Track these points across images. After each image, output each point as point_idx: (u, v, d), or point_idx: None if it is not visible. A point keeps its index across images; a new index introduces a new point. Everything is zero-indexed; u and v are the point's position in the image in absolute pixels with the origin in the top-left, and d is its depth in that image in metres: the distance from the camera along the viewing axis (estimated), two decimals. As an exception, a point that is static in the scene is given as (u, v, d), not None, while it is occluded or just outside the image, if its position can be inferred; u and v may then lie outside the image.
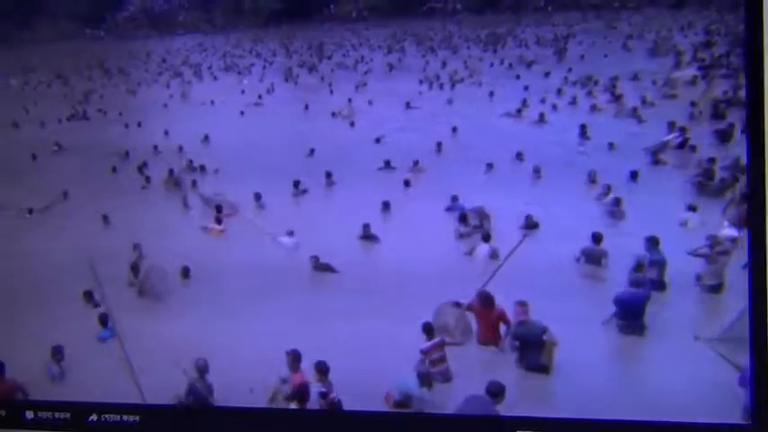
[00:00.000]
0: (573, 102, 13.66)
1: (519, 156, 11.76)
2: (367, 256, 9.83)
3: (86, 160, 13.53)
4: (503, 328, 7.30)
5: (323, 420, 6.20)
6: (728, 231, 8.27)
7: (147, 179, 12.68)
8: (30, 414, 6.32)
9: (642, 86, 13.43)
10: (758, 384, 5.03)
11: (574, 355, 6.76)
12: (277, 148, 13.06)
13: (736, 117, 10.95)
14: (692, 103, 12.01)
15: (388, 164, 12.22)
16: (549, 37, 16.58)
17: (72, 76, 18.17)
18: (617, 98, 13.35)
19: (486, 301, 7.32)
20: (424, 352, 6.90)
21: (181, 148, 13.54)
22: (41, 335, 7.93)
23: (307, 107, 15.29)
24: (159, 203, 12.07)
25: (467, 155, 12.16)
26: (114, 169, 13.06)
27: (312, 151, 12.93)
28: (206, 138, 13.96)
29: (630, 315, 7.29)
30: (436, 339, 7.00)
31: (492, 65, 16.33)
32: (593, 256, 8.70)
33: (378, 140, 13.32)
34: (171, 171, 12.63)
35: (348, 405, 6.33)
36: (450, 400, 6.29)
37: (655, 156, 11.01)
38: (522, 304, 7.00)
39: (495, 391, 5.94)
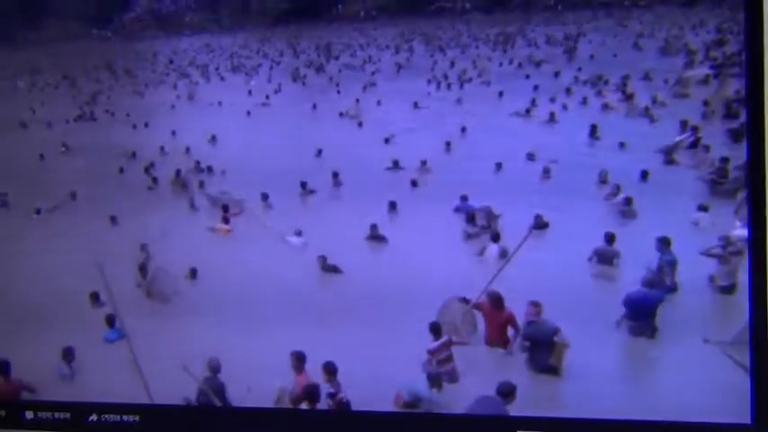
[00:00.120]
0: (583, 102, 13.64)
1: (530, 156, 11.76)
2: (374, 256, 9.85)
3: (94, 161, 13.64)
4: (511, 331, 7.29)
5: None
6: (741, 231, 8.23)
7: (155, 180, 12.76)
8: (30, 414, 6.36)
9: (653, 86, 13.39)
10: (759, 384, 5.03)
11: (582, 356, 6.75)
12: (284, 149, 13.12)
13: (749, 116, 10.88)
14: (705, 103, 11.97)
15: (396, 164, 12.26)
16: (559, 36, 16.56)
17: (79, 77, 18.29)
18: (628, 97, 13.32)
19: (496, 301, 7.31)
20: (432, 352, 6.91)
21: (188, 149, 13.64)
22: (49, 335, 8.00)
23: (314, 107, 15.33)
24: (166, 204, 12.13)
25: (475, 155, 12.18)
26: (121, 170, 13.17)
27: (320, 152, 12.99)
28: (213, 138, 14.06)
29: (641, 316, 7.27)
30: (443, 339, 7.01)
31: (501, 64, 16.33)
32: (606, 256, 8.71)
33: (387, 141, 13.35)
34: (178, 172, 12.71)
35: (356, 406, 6.35)
36: (458, 400, 6.29)
37: (668, 155, 10.98)
38: (536, 305, 6.99)
39: (506, 392, 5.94)
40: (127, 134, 14.80)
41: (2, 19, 16.90)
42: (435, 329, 7.06)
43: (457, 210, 10.43)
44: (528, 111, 13.63)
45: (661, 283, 7.75)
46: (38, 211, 11.82)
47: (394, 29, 18.54)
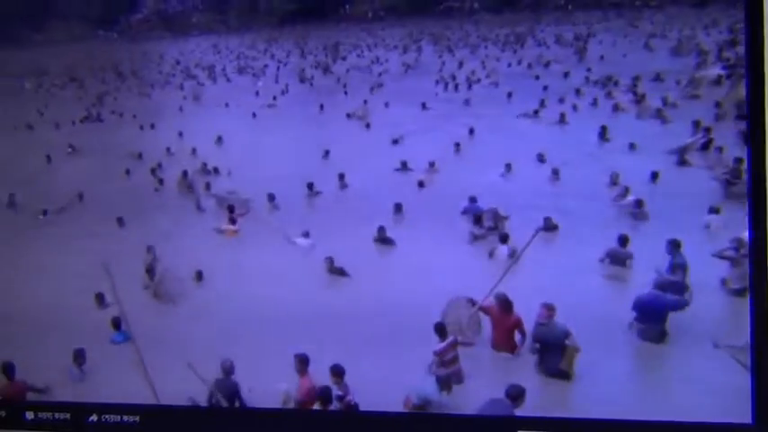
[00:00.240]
0: (594, 103, 13.63)
1: (540, 157, 11.77)
2: (382, 258, 9.86)
3: (100, 162, 13.73)
4: (518, 336, 7.28)
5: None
6: (755, 233, 8.20)
7: (161, 181, 12.83)
8: (30, 414, 6.38)
9: (665, 87, 13.37)
10: (759, 384, 5.02)
11: (591, 358, 6.74)
12: (291, 150, 13.17)
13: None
14: (717, 104, 11.93)
15: (404, 165, 12.29)
16: (569, 37, 16.56)
17: (86, 79, 18.43)
18: (640, 99, 13.30)
19: (504, 305, 7.27)
20: (438, 353, 6.90)
21: (194, 150, 13.71)
22: (55, 336, 8.04)
23: (322, 108, 15.38)
24: (173, 206, 12.18)
25: (484, 156, 12.20)
26: (128, 171, 13.24)
27: (327, 153, 13.03)
28: (220, 139, 14.13)
29: (651, 319, 7.23)
30: (449, 339, 7.00)
31: (510, 65, 16.34)
32: (619, 258, 8.69)
33: (395, 142, 13.38)
34: (185, 173, 12.76)
35: (364, 408, 6.36)
36: (467, 402, 6.29)
37: (681, 156, 10.95)
38: (549, 307, 6.92)
39: (515, 395, 5.94)
40: (133, 135, 14.90)
41: (9, 20, 17.06)
42: (440, 330, 7.05)
43: (465, 211, 10.43)
44: (536, 112, 13.64)
45: (673, 285, 7.71)
46: (44, 213, 11.90)
47: (402, 29, 18.60)
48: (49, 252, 10.52)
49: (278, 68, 18.25)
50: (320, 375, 6.66)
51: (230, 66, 18.76)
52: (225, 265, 9.69)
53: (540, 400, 6.37)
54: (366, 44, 18.44)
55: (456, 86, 15.51)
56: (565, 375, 6.74)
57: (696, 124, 11.46)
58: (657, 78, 13.72)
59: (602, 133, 12.17)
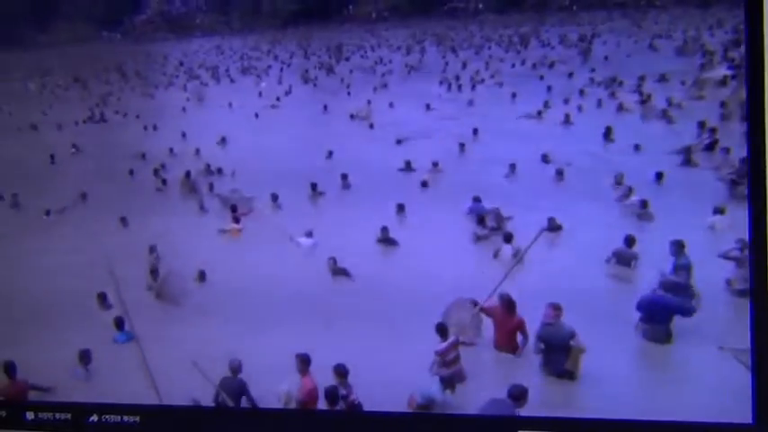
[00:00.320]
0: (598, 103, 13.64)
1: (545, 158, 11.78)
2: (385, 259, 9.88)
3: (104, 162, 13.78)
4: (520, 337, 7.28)
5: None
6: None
7: (164, 182, 12.88)
8: (30, 415, 6.43)
9: (670, 87, 13.36)
10: (760, 383, 5.03)
11: (594, 359, 6.74)
12: (295, 151, 13.20)
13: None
14: (722, 104, 11.92)
15: (408, 165, 12.31)
16: (573, 37, 16.56)
17: (89, 79, 18.49)
18: (646, 99, 13.30)
19: (508, 305, 7.29)
20: (440, 353, 6.92)
21: (198, 151, 13.75)
22: (57, 336, 8.08)
23: (325, 109, 15.41)
24: (176, 206, 12.22)
25: (488, 156, 12.21)
26: (131, 172, 13.29)
27: (330, 153, 13.06)
28: (223, 140, 14.17)
29: (656, 320, 7.24)
30: (451, 339, 7.02)
31: (514, 65, 16.35)
32: (625, 258, 8.69)
33: (399, 142, 13.40)
34: (188, 173, 12.80)
35: (367, 408, 6.38)
36: (470, 402, 6.31)
37: (687, 156, 10.94)
38: (556, 307, 6.92)
39: (517, 395, 5.95)
40: (137, 136, 14.95)
41: (12, 21, 17.13)
42: (442, 330, 7.08)
43: (470, 211, 10.44)
44: (539, 113, 13.64)
45: (677, 286, 7.71)
46: (47, 213, 11.95)
47: (406, 30, 18.60)
48: (52, 252, 10.57)
49: (281, 69, 18.28)
50: (323, 375, 6.69)
51: (233, 66, 18.80)
52: (228, 265, 9.73)
53: (543, 399, 6.38)
54: (370, 45, 18.45)
55: (459, 87, 15.51)
56: (570, 375, 6.74)
57: (701, 125, 11.46)
58: (662, 79, 13.70)
59: (607, 134, 12.17)
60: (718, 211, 9.28)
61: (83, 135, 15.34)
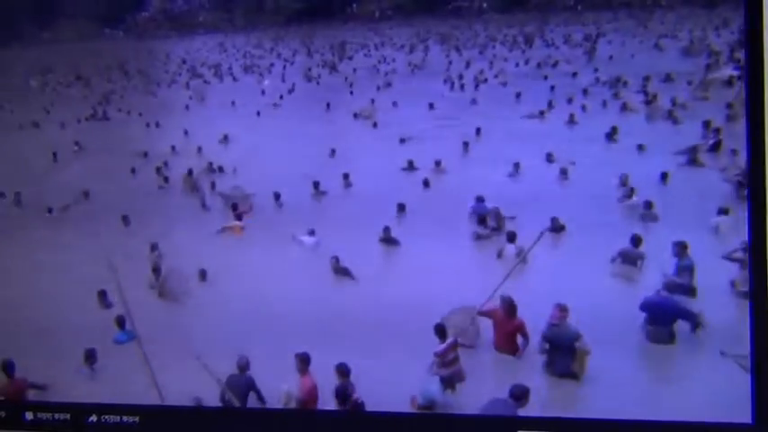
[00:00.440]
0: (603, 103, 13.66)
1: (549, 157, 11.82)
2: (387, 259, 9.91)
3: (106, 161, 13.85)
4: (520, 339, 7.32)
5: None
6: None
7: (166, 179, 12.94)
8: (29, 415, 6.42)
9: (675, 87, 13.38)
10: (759, 383, 5.06)
11: (597, 359, 6.78)
12: (298, 149, 13.25)
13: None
14: (728, 105, 11.93)
15: (411, 164, 12.36)
16: (578, 37, 16.58)
17: (92, 77, 18.56)
18: (651, 99, 13.32)
19: (509, 308, 7.30)
20: (439, 355, 6.95)
21: (200, 149, 13.81)
22: (58, 335, 8.10)
23: (328, 108, 15.45)
24: (178, 204, 12.27)
25: (491, 155, 12.24)
26: (133, 170, 13.35)
27: (333, 152, 13.11)
28: (225, 138, 14.23)
29: (660, 321, 7.25)
30: (449, 340, 7.04)
31: (518, 65, 16.37)
32: (631, 258, 8.70)
33: (402, 141, 13.44)
34: (190, 171, 12.86)
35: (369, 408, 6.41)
36: (471, 402, 6.33)
37: (692, 156, 10.95)
38: (562, 308, 6.93)
39: (519, 395, 5.98)
40: (139, 134, 15.01)
41: (15, 19, 17.21)
42: (440, 331, 7.10)
43: (473, 211, 10.46)
44: (542, 112, 13.68)
45: (680, 288, 7.74)
46: (50, 210, 12.01)
47: (409, 29, 18.64)
48: (54, 250, 10.62)
49: (284, 67, 18.34)
50: (324, 375, 6.72)
51: (236, 64, 18.85)
52: (230, 263, 9.76)
53: (543, 399, 6.41)
54: (373, 43, 18.51)
55: (462, 86, 15.57)
56: (575, 377, 6.77)
57: (706, 125, 11.48)
58: (668, 79, 13.73)
59: (612, 134, 12.20)
60: (723, 211, 9.28)
61: (85, 133, 15.42)
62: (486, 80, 15.74)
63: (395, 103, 15.31)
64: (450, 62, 16.71)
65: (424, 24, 18.47)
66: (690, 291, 7.89)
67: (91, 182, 12.66)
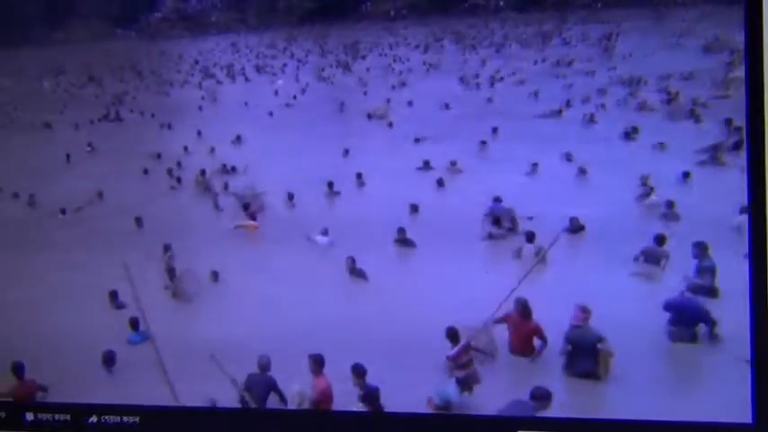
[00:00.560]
0: (623, 102, 13.61)
1: (568, 156, 11.80)
2: (401, 260, 9.92)
3: (119, 162, 13.97)
4: (538, 342, 7.31)
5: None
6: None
7: (179, 180, 13.04)
8: (29, 416, 6.45)
9: (695, 85, 13.31)
10: (760, 383, 5.03)
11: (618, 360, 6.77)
12: (311, 149, 13.30)
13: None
14: (750, 103, 11.81)
15: (427, 164, 12.39)
16: (595, 35, 16.53)
17: (104, 78, 18.72)
18: (673, 97, 13.25)
19: (523, 310, 7.30)
20: (452, 359, 6.95)
21: (213, 150, 13.90)
22: (72, 336, 8.17)
23: (342, 108, 15.50)
24: (191, 205, 12.35)
25: (508, 155, 12.23)
26: (146, 171, 13.47)
27: (347, 151, 13.16)
28: (238, 138, 14.32)
29: (684, 322, 7.22)
30: (462, 343, 7.04)
31: (535, 63, 16.34)
32: (654, 257, 8.66)
33: (417, 141, 13.47)
34: (203, 172, 12.95)
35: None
36: (490, 403, 6.33)
37: (714, 155, 10.88)
38: (585, 310, 6.94)
39: (539, 396, 5.99)
40: (152, 134, 15.13)
41: (27, 19, 17.39)
42: (452, 335, 7.10)
43: (490, 211, 10.44)
44: (560, 111, 13.66)
45: (701, 289, 7.69)
46: (63, 212, 12.13)
47: (424, 28, 18.65)
48: (68, 250, 10.72)
49: (297, 67, 18.41)
50: (339, 375, 6.73)
51: (249, 65, 18.95)
52: (244, 263, 9.81)
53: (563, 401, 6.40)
54: (387, 43, 18.54)
55: (477, 85, 15.56)
56: (596, 377, 6.76)
57: (728, 122, 11.40)
58: (689, 77, 13.66)
59: (631, 133, 12.14)
60: (746, 210, 9.19)
61: (98, 134, 15.56)
62: (502, 79, 15.73)
63: (410, 103, 15.34)
64: (466, 61, 16.70)
65: (438, 23, 18.47)
66: (711, 292, 7.84)
67: (104, 183, 12.77)
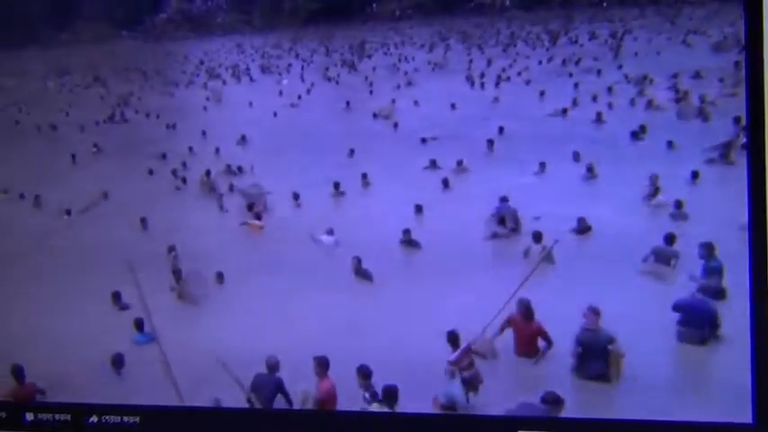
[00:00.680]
0: (631, 101, 13.59)
1: (576, 155, 11.78)
2: (406, 260, 9.92)
3: (125, 162, 14.03)
4: (542, 343, 7.30)
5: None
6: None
7: (183, 180, 13.09)
8: (30, 416, 6.46)
9: (704, 84, 13.28)
10: (760, 383, 5.02)
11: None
12: (317, 149, 13.34)
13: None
14: (761, 102, 11.77)
15: (433, 163, 12.40)
16: (603, 34, 16.51)
17: (110, 79, 18.81)
18: (682, 96, 13.22)
19: (526, 312, 7.30)
20: (453, 362, 6.95)
21: (218, 150, 13.95)
22: (77, 337, 8.21)
23: (347, 107, 15.53)
24: (195, 205, 12.39)
25: (515, 154, 12.22)
26: (151, 171, 13.53)
27: (352, 152, 13.18)
28: (243, 139, 14.36)
29: (695, 323, 7.19)
30: (463, 346, 7.04)
31: (541, 62, 16.33)
32: (664, 256, 8.63)
33: (423, 141, 13.48)
34: (208, 172, 13.00)
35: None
36: (496, 403, 6.34)
37: (724, 153, 10.84)
38: (596, 312, 6.90)
39: (551, 401, 5.98)
40: (157, 135, 15.20)
41: (32, 20, 17.51)
42: (453, 339, 7.11)
43: (497, 211, 10.43)
44: (564, 110, 13.64)
45: (709, 290, 7.67)
46: (68, 212, 12.20)
47: (430, 28, 18.67)
48: (73, 251, 10.77)
49: (302, 67, 18.45)
50: (343, 376, 6.74)
51: (254, 65, 19.00)
52: (248, 264, 9.84)
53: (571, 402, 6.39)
54: (393, 42, 18.56)
55: (483, 85, 15.57)
56: (606, 379, 6.75)
57: (737, 121, 11.36)
58: (697, 76, 13.63)
59: (639, 132, 12.12)
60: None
61: (103, 134, 15.63)
62: (508, 78, 15.73)
63: (416, 103, 15.36)
64: (472, 60, 16.70)
65: (444, 23, 18.49)
66: (719, 293, 7.79)
67: (109, 183, 12.83)
